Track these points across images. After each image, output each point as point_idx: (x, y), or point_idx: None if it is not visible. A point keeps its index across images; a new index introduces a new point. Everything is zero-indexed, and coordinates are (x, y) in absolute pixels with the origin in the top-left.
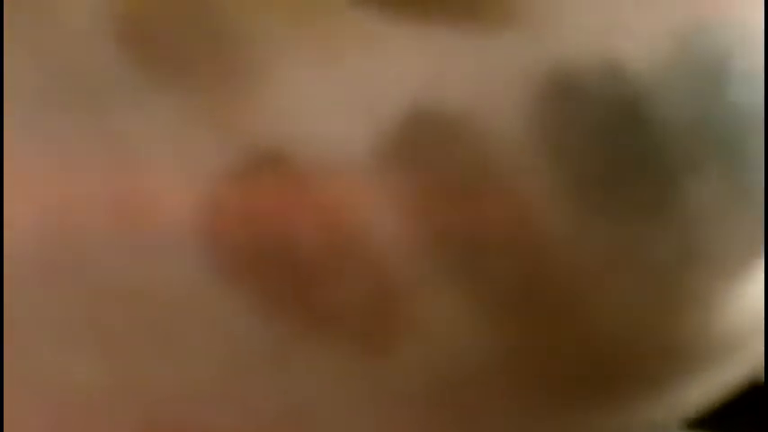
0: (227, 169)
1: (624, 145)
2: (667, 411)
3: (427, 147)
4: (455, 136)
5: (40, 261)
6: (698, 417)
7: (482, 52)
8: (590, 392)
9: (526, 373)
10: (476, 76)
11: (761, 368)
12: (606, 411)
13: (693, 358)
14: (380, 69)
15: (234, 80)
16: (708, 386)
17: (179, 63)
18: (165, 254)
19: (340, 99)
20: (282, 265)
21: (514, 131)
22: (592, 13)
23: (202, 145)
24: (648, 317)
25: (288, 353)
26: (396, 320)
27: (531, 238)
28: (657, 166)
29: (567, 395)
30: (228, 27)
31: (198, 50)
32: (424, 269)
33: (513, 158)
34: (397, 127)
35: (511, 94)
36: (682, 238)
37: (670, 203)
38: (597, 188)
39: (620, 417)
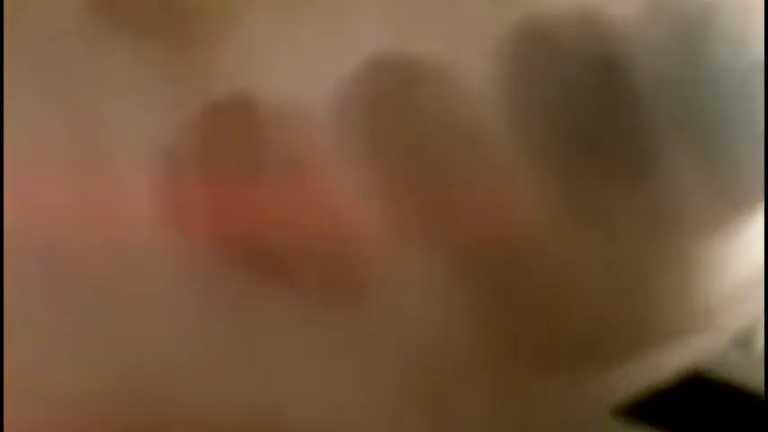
0: (189, 122)
1: (599, 103)
2: (642, 380)
3: (394, 99)
4: (423, 88)
5: (13, 256)
6: (632, 403)
7: (454, 2)
8: (563, 359)
9: (497, 336)
10: (447, 27)
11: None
12: (580, 379)
13: (669, 325)
14: (349, 18)
15: (198, 32)
16: (684, 355)
17: (142, 15)
18: (125, 222)
19: (306, 50)
20: (243, 218)
21: (484, 85)
22: None
23: (165, 99)
24: (621, 282)
25: (251, 304)
26: (362, 274)
27: (498, 197)
28: (633, 125)
29: (541, 361)
30: None
31: (163, 3)
32: (390, 223)
33: (483, 115)
34: (364, 78)
35: (482, 47)
36: (657, 202)
37: (646, 164)
38: (570, 146)
39: (594, 384)
